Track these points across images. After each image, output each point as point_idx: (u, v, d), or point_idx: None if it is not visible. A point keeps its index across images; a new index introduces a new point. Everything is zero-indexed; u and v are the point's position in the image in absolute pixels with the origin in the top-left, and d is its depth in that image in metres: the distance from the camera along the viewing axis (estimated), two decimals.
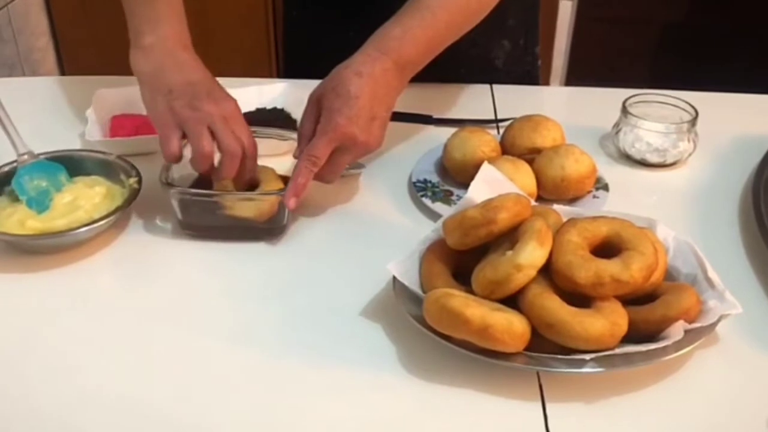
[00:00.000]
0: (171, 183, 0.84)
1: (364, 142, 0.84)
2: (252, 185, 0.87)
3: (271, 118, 1.03)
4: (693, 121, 0.98)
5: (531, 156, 0.93)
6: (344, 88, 0.83)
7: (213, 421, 0.64)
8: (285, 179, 0.89)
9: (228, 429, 0.64)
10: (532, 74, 1.27)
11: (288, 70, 1.29)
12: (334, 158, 0.85)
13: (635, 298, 0.70)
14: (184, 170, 0.87)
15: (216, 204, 0.85)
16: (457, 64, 1.17)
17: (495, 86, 1.19)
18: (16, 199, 0.87)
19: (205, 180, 0.87)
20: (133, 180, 0.88)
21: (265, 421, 0.65)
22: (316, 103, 0.86)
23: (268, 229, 0.86)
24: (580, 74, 2.58)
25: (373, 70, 0.84)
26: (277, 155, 0.95)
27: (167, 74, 0.85)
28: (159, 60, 0.87)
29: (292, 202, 0.82)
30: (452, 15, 0.90)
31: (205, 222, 0.86)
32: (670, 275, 0.75)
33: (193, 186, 0.87)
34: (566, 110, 1.21)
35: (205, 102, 0.82)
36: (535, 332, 0.67)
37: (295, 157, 0.87)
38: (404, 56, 0.87)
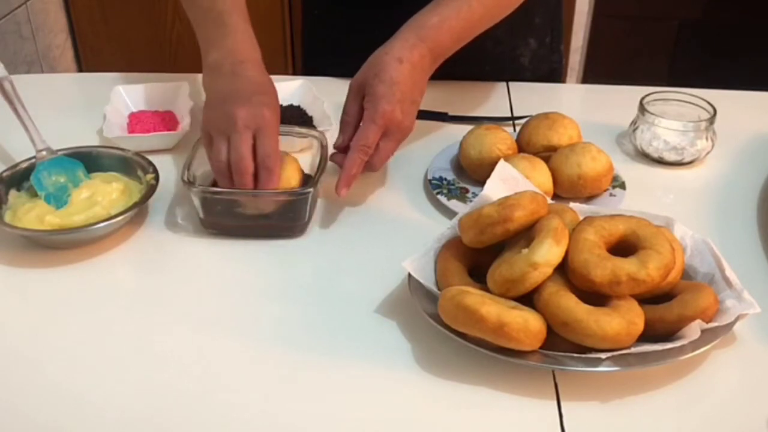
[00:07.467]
0: (192, 181, 0.85)
1: (408, 126, 0.87)
2: None
3: (287, 116, 1.03)
4: (711, 120, 0.97)
5: (547, 154, 0.92)
6: (387, 74, 0.85)
7: (228, 416, 0.65)
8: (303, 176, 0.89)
9: (243, 423, 0.64)
10: (558, 72, 1.27)
11: (306, 69, 1.29)
12: (380, 145, 0.86)
13: (652, 297, 0.70)
14: (206, 167, 0.87)
15: (238, 202, 0.85)
16: (483, 62, 1.17)
17: (511, 84, 1.19)
18: (34, 194, 0.88)
19: None
20: (150, 176, 0.89)
21: (280, 415, 0.65)
22: (358, 90, 0.88)
23: (290, 227, 0.86)
24: (597, 72, 2.56)
25: (412, 56, 0.86)
26: (293, 152, 0.95)
27: (220, 83, 0.86)
28: (218, 72, 0.87)
29: (343, 192, 0.84)
30: (487, 8, 0.92)
31: (227, 220, 0.86)
32: (687, 274, 0.75)
33: (215, 184, 0.87)
34: (583, 108, 1.20)
35: (237, 107, 0.82)
36: (550, 331, 0.66)
37: (335, 147, 0.89)
38: (440, 45, 0.89)
